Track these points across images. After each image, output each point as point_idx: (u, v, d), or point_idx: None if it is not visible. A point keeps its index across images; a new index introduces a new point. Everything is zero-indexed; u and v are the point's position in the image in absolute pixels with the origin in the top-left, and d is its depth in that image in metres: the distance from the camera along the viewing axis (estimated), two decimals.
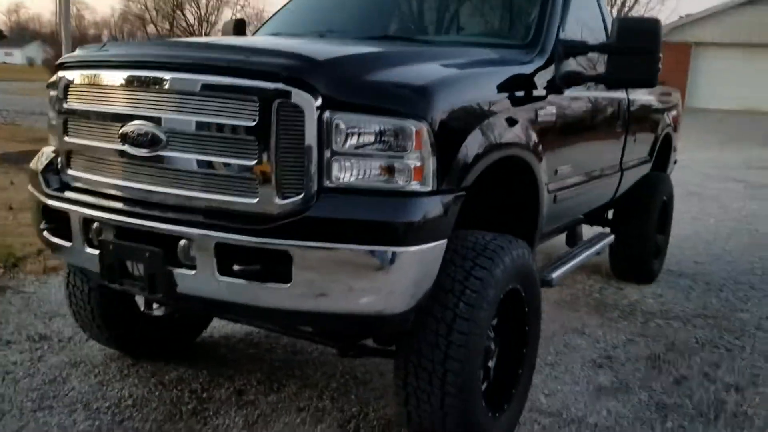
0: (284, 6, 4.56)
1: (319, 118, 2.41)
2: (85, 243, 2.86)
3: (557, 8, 3.70)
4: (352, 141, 2.44)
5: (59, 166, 3.02)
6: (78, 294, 3.66)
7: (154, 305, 3.89)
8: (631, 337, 4.65)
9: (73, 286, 3.67)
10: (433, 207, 2.49)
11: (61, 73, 2.98)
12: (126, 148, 2.70)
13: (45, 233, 3.07)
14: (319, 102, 2.41)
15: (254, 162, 2.46)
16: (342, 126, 2.43)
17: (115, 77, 2.76)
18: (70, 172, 2.97)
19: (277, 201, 2.46)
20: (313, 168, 2.45)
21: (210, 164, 2.56)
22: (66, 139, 2.95)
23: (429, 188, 2.49)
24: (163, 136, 2.60)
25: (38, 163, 3.19)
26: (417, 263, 2.48)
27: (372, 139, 2.44)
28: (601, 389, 3.82)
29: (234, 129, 2.49)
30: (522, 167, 3.17)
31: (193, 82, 2.55)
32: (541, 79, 3.39)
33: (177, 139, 2.59)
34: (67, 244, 2.94)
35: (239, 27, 4.64)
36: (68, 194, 2.94)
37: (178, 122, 2.58)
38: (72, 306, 3.74)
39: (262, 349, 4.17)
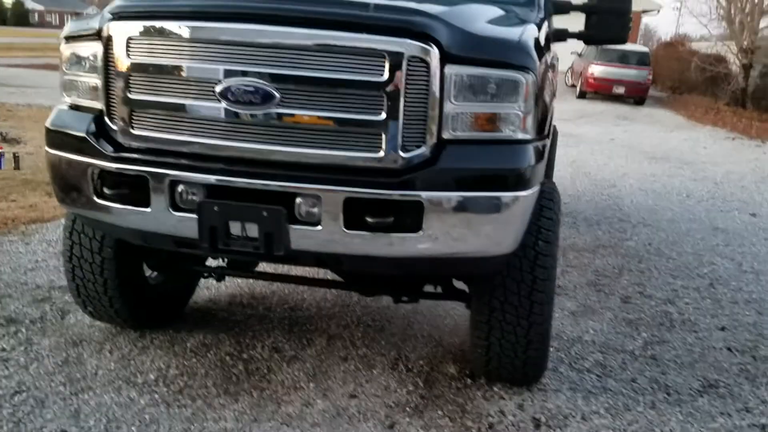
0: None
1: (441, 72, 2.54)
2: (170, 207, 2.72)
3: None
4: (470, 93, 2.61)
5: (116, 126, 2.79)
6: (87, 266, 3.40)
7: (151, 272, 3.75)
8: (563, 269, 5.23)
9: (79, 258, 3.40)
10: (536, 153, 2.76)
11: (114, 24, 2.73)
12: (226, 105, 2.60)
13: (102, 200, 2.84)
14: (439, 56, 2.53)
15: (381, 116, 2.53)
16: (461, 79, 2.58)
17: (207, 30, 2.60)
18: (137, 132, 2.75)
19: (401, 154, 2.57)
20: (434, 121, 2.58)
21: (331, 120, 2.57)
22: (131, 96, 2.72)
23: (531, 136, 2.74)
24: (276, 93, 2.55)
25: (74, 123, 2.91)
26: (527, 206, 2.74)
27: (487, 90, 2.62)
28: (575, 313, 4.36)
29: (361, 84, 2.53)
30: None
31: (316, 37, 2.52)
32: (546, 35, 3.72)
33: (293, 95, 2.55)
34: (143, 209, 2.76)
35: None
36: (141, 156, 2.75)
37: (296, 78, 2.54)
38: (75, 280, 3.46)
39: (260, 309, 4.16)
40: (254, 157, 2.65)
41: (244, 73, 2.56)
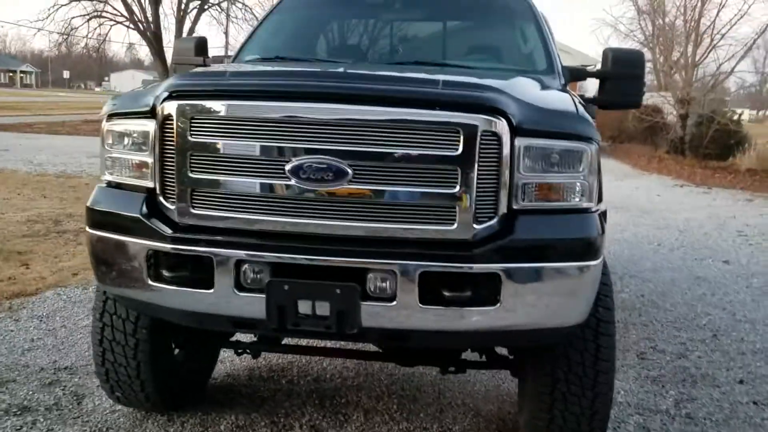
0: (266, 26, 4.37)
1: (511, 144, 2.55)
2: (235, 287, 2.61)
3: (551, 39, 4.15)
4: (538, 164, 2.62)
5: (173, 206, 2.68)
6: (119, 349, 3.22)
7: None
8: None
9: (110, 341, 3.23)
10: (601, 221, 2.77)
11: (173, 103, 2.64)
12: (296, 182, 2.53)
13: (157, 282, 2.70)
14: (509, 130, 2.54)
15: (455, 189, 2.51)
16: (530, 151, 2.59)
17: (277, 109, 2.55)
18: (197, 211, 2.65)
19: (474, 226, 2.54)
20: (505, 192, 2.57)
21: (404, 195, 2.53)
22: (192, 175, 2.63)
23: (594, 204, 2.76)
24: (348, 169, 2.50)
25: (122, 203, 2.80)
26: (598, 274, 2.74)
27: (554, 161, 2.64)
28: None
29: (435, 159, 2.51)
30: None
31: (391, 114, 2.50)
32: None
33: (366, 171, 2.51)
34: (205, 291, 2.64)
35: (201, 47, 4.35)
36: (203, 236, 2.64)
37: (369, 155, 2.50)
38: (105, 364, 3.28)
39: (283, 383, 4.02)
40: (324, 233, 2.58)
41: (316, 151, 2.51)
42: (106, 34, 35.49)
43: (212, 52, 4.51)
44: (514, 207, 2.59)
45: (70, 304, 5.35)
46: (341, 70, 3.10)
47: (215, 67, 3.49)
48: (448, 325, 2.59)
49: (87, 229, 2.92)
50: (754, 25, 33.87)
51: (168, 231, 2.66)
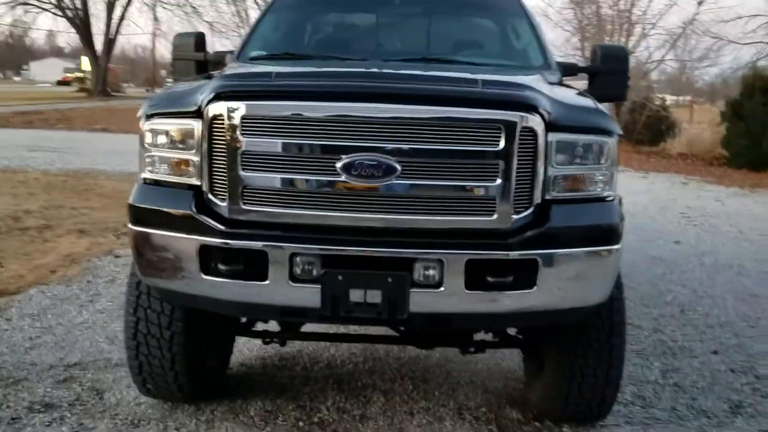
0: (265, 23, 4.44)
1: (545, 139, 2.77)
2: (290, 279, 2.75)
3: (543, 35, 4.39)
4: (567, 157, 2.85)
5: (224, 202, 2.79)
6: (154, 343, 3.30)
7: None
8: None
9: (145, 335, 3.31)
10: (620, 208, 3.03)
11: (223, 104, 2.75)
12: (347, 178, 2.68)
13: (210, 276, 2.81)
14: (543, 125, 2.77)
15: (496, 182, 2.72)
16: (562, 144, 2.82)
17: (329, 108, 2.70)
18: (248, 207, 2.76)
19: (513, 216, 2.76)
20: (539, 184, 2.80)
21: (449, 188, 2.72)
22: (243, 173, 2.74)
23: (614, 193, 3.01)
24: (397, 166, 2.67)
25: (168, 200, 2.89)
26: (620, 256, 2.99)
27: (582, 153, 2.88)
28: None
29: (478, 154, 2.71)
30: None
31: (437, 112, 2.68)
32: None
33: (412, 167, 2.68)
34: (260, 283, 2.76)
35: (201, 43, 4.40)
36: (256, 231, 2.76)
37: (417, 151, 2.68)
38: (139, 357, 3.35)
39: (297, 370, 4.16)
40: (373, 226, 2.75)
41: (367, 149, 2.66)
42: (32, 22, 34.18)
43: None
44: (547, 198, 2.82)
45: (58, 302, 5.32)
46: (386, 70, 3.25)
47: (257, 68, 3.58)
48: (490, 308, 2.81)
49: (131, 226, 2.99)
50: (681, 15, 35.27)
51: (220, 227, 2.77)
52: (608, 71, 4.24)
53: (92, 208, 9.20)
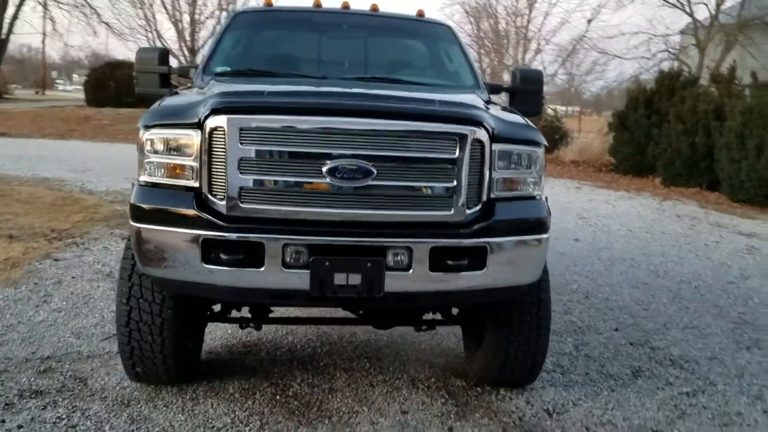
0: (227, 41, 4.87)
1: (490, 149, 3.41)
2: (282, 266, 3.24)
3: (473, 60, 5.07)
4: (506, 163, 3.49)
5: (222, 202, 3.24)
6: (145, 329, 3.69)
7: None
8: None
9: (137, 322, 3.69)
10: (547, 205, 3.70)
11: (222, 117, 3.21)
12: (331, 180, 3.21)
13: (210, 264, 3.25)
14: (488, 138, 3.40)
15: (453, 183, 3.32)
16: (502, 153, 3.46)
17: (319, 122, 3.21)
18: (245, 206, 3.24)
19: (466, 211, 3.38)
20: (486, 185, 3.43)
21: (414, 188, 3.31)
22: (242, 176, 3.21)
23: (542, 193, 3.68)
24: (373, 169, 3.23)
25: (170, 200, 3.31)
26: (547, 244, 3.66)
27: (517, 160, 3.52)
28: None
29: (439, 161, 3.30)
30: None
31: (408, 126, 3.26)
32: None
33: (385, 170, 3.25)
34: (256, 269, 3.24)
35: (164, 57, 4.78)
36: (253, 225, 3.24)
37: (390, 158, 3.25)
38: (131, 343, 3.72)
39: (262, 354, 4.62)
40: (352, 219, 3.30)
41: (349, 156, 3.21)
42: None
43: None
44: (492, 196, 3.45)
45: (12, 303, 5.50)
46: (360, 90, 3.79)
47: (247, 86, 4.00)
48: (449, 287, 3.40)
49: (133, 223, 3.39)
50: (572, 32, 37.60)
51: (221, 222, 3.24)
52: (526, 91, 4.96)
53: (15, 214, 9.16)
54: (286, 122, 3.23)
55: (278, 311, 4.60)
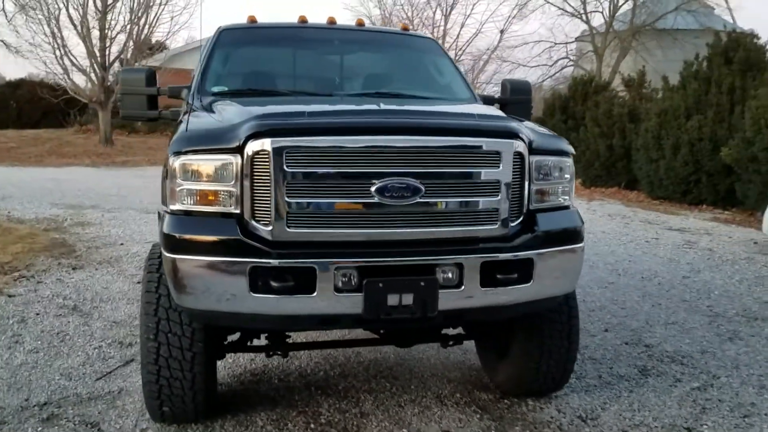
0: (217, 60, 4.67)
1: (528, 161, 3.43)
2: (335, 290, 3.14)
3: (462, 72, 5.10)
4: (542, 174, 3.52)
5: (267, 227, 3.11)
6: (176, 365, 3.48)
7: None
8: None
9: (166, 358, 3.48)
10: (579, 213, 3.75)
11: (263, 141, 3.06)
12: (380, 199, 3.13)
13: (259, 293, 3.10)
14: (527, 151, 3.42)
15: (497, 197, 3.32)
16: (539, 165, 3.49)
17: (361, 141, 3.12)
18: (292, 230, 3.10)
19: (510, 224, 3.38)
20: (525, 197, 3.45)
21: (460, 204, 3.27)
22: (288, 200, 3.08)
23: (571, 202, 3.73)
24: (421, 187, 3.18)
25: (210, 228, 3.15)
26: (583, 253, 3.70)
27: (551, 171, 3.56)
28: None
29: (483, 175, 3.29)
30: None
31: (452, 142, 3.24)
32: None
33: (433, 187, 3.20)
34: (308, 296, 3.12)
35: (152, 78, 4.55)
36: (302, 250, 3.12)
37: (436, 174, 3.21)
38: (160, 381, 3.50)
39: (275, 382, 4.46)
40: (401, 239, 3.23)
41: (397, 174, 3.15)
42: None
43: None
44: (531, 208, 3.47)
45: None
46: (401, 107, 3.71)
47: (284, 107, 3.83)
48: (497, 301, 3.38)
49: (169, 254, 3.20)
50: (485, 41, 38.67)
51: (269, 249, 3.10)
52: (515, 101, 5.04)
53: None
54: (334, 142, 3.13)
55: (296, 337, 4.45)
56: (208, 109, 3.85)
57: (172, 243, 3.19)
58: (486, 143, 3.30)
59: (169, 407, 3.61)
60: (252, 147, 3.10)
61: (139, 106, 4.54)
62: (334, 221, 3.16)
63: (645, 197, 16.13)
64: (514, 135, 3.36)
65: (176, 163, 3.21)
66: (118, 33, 24.93)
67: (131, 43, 25.06)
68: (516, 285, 3.37)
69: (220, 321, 3.37)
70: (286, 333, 4.09)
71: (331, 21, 5.13)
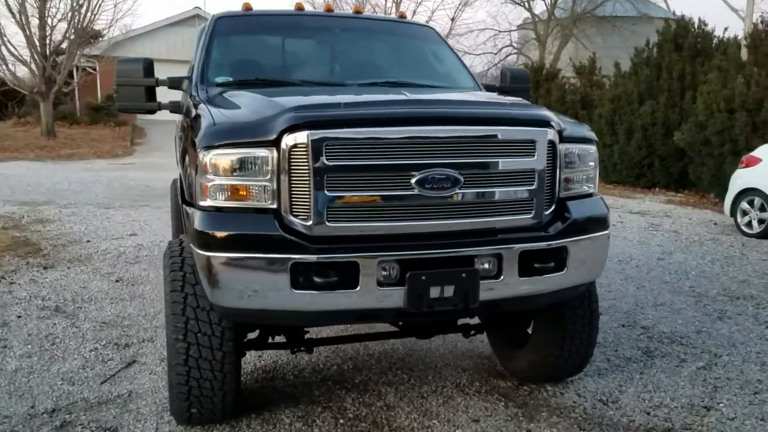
0: (218, 49, 4.52)
1: (559, 149, 3.44)
2: (377, 284, 3.08)
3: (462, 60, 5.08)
4: (570, 162, 3.53)
5: (306, 222, 3.03)
6: (206, 365, 3.37)
7: None
8: None
9: (196, 359, 3.37)
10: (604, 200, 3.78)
11: (301, 133, 2.98)
12: (419, 191, 3.08)
13: (300, 290, 3.03)
14: (558, 139, 3.44)
15: (533, 186, 3.32)
16: (567, 152, 3.50)
17: (400, 132, 3.06)
18: (332, 224, 3.03)
19: (544, 213, 3.39)
20: (555, 185, 3.46)
21: (497, 194, 3.25)
22: (328, 194, 3.00)
23: (596, 190, 3.76)
24: (461, 178, 3.15)
25: (245, 224, 3.06)
26: (609, 240, 3.74)
27: (577, 159, 3.58)
28: None
29: (519, 164, 3.28)
30: None
31: (490, 131, 3.20)
32: None
33: (471, 178, 3.18)
34: (351, 291, 3.06)
35: (150, 68, 4.37)
36: (343, 245, 3.05)
37: (474, 165, 3.18)
38: (190, 382, 3.38)
39: (290, 379, 4.37)
40: (443, 230, 3.20)
41: (437, 165, 3.11)
42: None
43: None
44: (560, 196, 3.48)
45: None
46: (438, 97, 3.65)
47: (316, 98, 3.72)
48: (534, 290, 3.39)
49: (202, 251, 3.09)
50: (438, 29, 38.80)
51: (309, 244, 3.02)
52: (515, 90, 5.04)
53: None
54: (374, 134, 3.06)
55: (314, 332, 4.38)
56: (221, 100, 3.73)
57: (205, 240, 3.08)
58: (522, 132, 3.29)
59: (197, 408, 3.50)
60: (289, 140, 3.01)
61: (136, 98, 4.35)
62: (373, 214, 3.10)
63: (600, 182, 16.45)
64: (547, 123, 3.37)
65: (208, 157, 3.10)
66: (59, 21, 23.98)
67: (72, 31, 24.14)
68: (552, 273, 3.38)
69: (256, 318, 3.29)
70: (305, 329, 4.02)
71: (329, 8, 5.04)
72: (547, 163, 3.36)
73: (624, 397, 4.12)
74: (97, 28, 27.36)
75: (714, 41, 16.11)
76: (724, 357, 4.81)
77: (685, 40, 15.97)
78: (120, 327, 5.39)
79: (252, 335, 3.92)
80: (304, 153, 3.00)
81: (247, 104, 3.46)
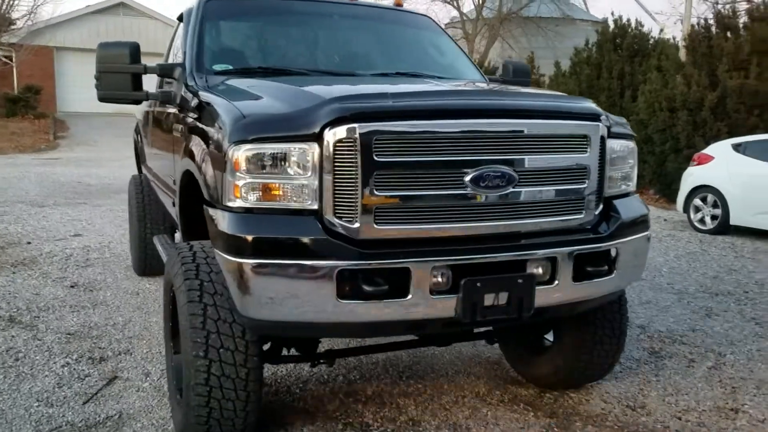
0: (212, 34, 4.11)
1: (607, 145, 3.26)
2: (430, 292, 2.81)
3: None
4: (615, 159, 3.36)
5: (352, 224, 2.72)
6: (228, 384, 3.01)
7: None
8: None
9: (219, 377, 3.00)
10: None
11: (348, 126, 2.67)
12: (473, 190, 2.83)
13: (347, 300, 2.72)
14: (607, 133, 3.25)
15: (585, 184, 3.12)
16: (614, 148, 3.33)
17: (455, 125, 2.80)
18: (380, 227, 2.72)
19: (594, 212, 3.20)
20: (603, 183, 3.28)
21: (554, 192, 3.04)
22: (377, 193, 2.70)
23: (634, 188, 3.59)
24: (515, 175, 2.91)
25: (284, 227, 2.73)
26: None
27: (621, 156, 3.40)
28: None
29: (574, 160, 3.07)
30: None
31: (545, 126, 2.98)
32: None
33: (526, 175, 2.94)
34: (401, 300, 2.77)
35: (136, 53, 3.94)
36: (396, 249, 2.76)
37: (529, 161, 2.95)
38: (211, 403, 3.02)
39: (298, 392, 4.04)
40: (494, 232, 2.96)
41: (493, 161, 2.87)
42: None
43: None
44: (605, 195, 3.30)
45: None
46: (497, 88, 3.37)
47: (361, 87, 3.40)
48: (586, 295, 3.19)
49: (233, 258, 2.74)
50: None
51: (357, 249, 2.72)
52: (517, 82, 4.87)
53: None
54: (428, 127, 2.79)
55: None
56: (233, 90, 3.39)
57: (236, 245, 2.73)
58: (577, 127, 3.09)
59: (218, 428, 3.13)
60: (333, 133, 2.69)
61: (121, 86, 3.91)
62: (424, 215, 2.82)
63: None
64: (599, 117, 3.17)
65: (239, 153, 2.75)
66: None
67: None
68: (603, 278, 3.19)
69: (295, 332, 2.97)
70: (319, 340, 3.71)
71: None
72: (600, 160, 3.17)
73: (649, 402, 3.99)
74: (15, 16, 25.79)
75: (650, 42, 16.50)
76: (728, 356, 4.77)
77: (624, 41, 16.30)
78: (89, 338, 4.90)
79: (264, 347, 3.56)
80: (351, 148, 2.69)
81: (274, 94, 3.12)
